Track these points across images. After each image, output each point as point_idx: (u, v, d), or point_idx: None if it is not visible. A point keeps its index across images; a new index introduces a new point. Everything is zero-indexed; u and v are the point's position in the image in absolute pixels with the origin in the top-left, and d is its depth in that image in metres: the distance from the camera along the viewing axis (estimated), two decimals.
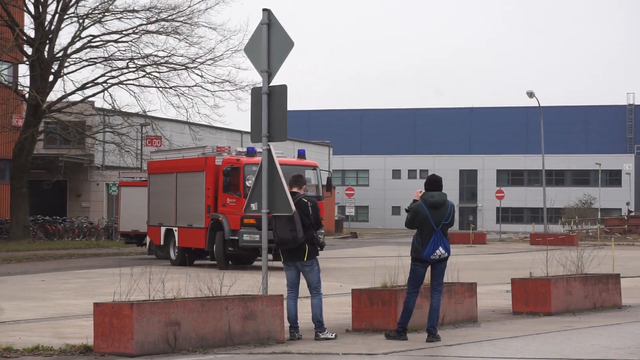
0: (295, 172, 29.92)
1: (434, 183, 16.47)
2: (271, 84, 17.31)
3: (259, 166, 17.14)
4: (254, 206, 17.15)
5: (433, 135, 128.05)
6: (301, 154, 36.42)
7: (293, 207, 16.54)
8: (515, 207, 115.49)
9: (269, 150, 17.08)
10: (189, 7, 50.24)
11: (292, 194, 16.81)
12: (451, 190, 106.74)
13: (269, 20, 17.28)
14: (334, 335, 16.82)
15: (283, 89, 17.30)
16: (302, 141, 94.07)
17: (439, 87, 64.02)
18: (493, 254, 54.37)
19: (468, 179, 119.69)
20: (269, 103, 17.18)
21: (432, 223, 16.10)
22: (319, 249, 17.08)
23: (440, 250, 16.19)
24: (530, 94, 77.32)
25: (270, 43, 17.22)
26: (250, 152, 35.73)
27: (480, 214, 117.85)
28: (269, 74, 17.29)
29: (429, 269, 16.57)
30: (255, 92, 17.59)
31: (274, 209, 16.81)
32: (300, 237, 16.56)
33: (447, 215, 16.24)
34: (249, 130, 17.73)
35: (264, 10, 17.26)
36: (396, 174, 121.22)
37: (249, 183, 32.56)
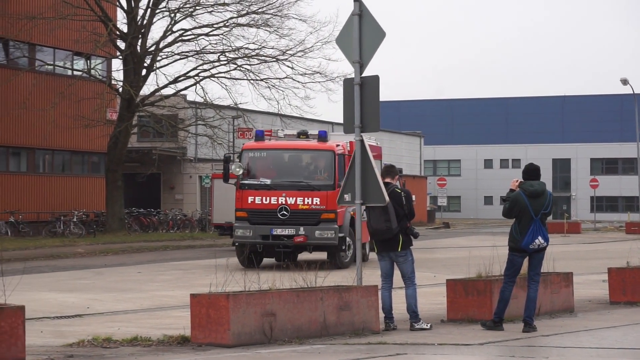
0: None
1: (532, 172, 16.36)
2: (363, 75, 17.30)
3: (352, 156, 17.15)
4: (347, 197, 17.18)
5: (525, 124, 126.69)
6: (322, 136, 31.56)
7: (387, 198, 16.52)
8: (609, 196, 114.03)
9: (362, 141, 17.07)
10: None
11: (385, 184, 16.79)
12: (544, 180, 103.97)
13: (360, 11, 17.25)
14: (429, 325, 16.79)
15: (375, 79, 17.28)
16: (393, 131, 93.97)
17: (623, 78, 62.66)
18: (588, 244, 53.80)
19: (561, 167, 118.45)
20: (361, 94, 17.17)
21: (532, 212, 15.98)
22: (412, 239, 17.06)
23: (540, 240, 16.06)
24: (624, 81, 76.33)
25: (361, 34, 17.21)
26: (258, 136, 31.82)
27: (574, 203, 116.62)
28: (361, 65, 17.28)
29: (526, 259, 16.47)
30: (348, 83, 17.59)
31: (368, 199, 16.81)
32: (394, 227, 16.55)
33: (546, 205, 16.11)
34: (341, 122, 17.76)
35: (355, 1, 17.22)
36: (488, 163, 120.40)
37: (237, 171, 30.13)
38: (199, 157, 65.84)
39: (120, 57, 51.42)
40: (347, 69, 68.49)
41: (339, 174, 29.64)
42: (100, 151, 55.01)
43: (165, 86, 51.81)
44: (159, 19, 51.63)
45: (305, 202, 29.86)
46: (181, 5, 50.77)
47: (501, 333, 16.10)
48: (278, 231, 29.82)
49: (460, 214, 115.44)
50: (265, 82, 51.22)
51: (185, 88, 52.42)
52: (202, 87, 51.40)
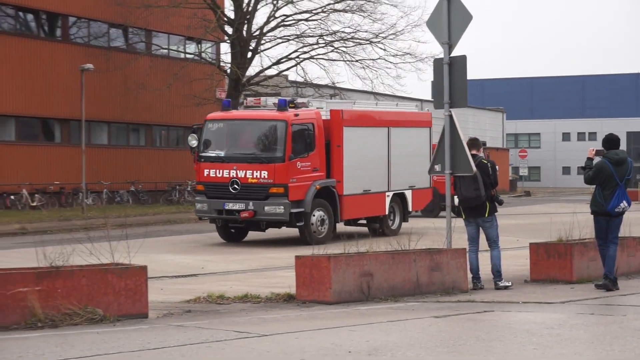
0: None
1: (613, 141, 16.28)
2: (452, 55, 17.31)
3: (442, 129, 17.12)
4: (437, 167, 17.22)
5: (601, 100, 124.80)
6: (280, 105, 26.58)
7: (474, 168, 16.52)
8: None
9: (451, 116, 17.08)
10: None
11: (472, 156, 16.79)
12: None
13: None
14: (510, 283, 16.81)
15: (463, 59, 17.31)
16: (478, 107, 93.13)
17: None
18: None
19: (635, 140, 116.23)
20: (450, 72, 17.21)
21: (617, 178, 15.90)
22: (497, 206, 17.04)
23: (624, 204, 16.04)
24: None
25: (450, 17, 17.20)
26: (225, 106, 28.12)
27: None
28: (450, 46, 17.29)
29: None
30: (437, 63, 17.61)
31: (456, 169, 16.84)
32: (483, 195, 16.58)
33: (629, 171, 16.07)
34: (429, 98, 17.77)
35: None
36: (566, 136, 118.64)
37: (191, 142, 27.28)
38: None
39: (228, 41, 51.70)
40: (436, 50, 67.41)
41: (295, 146, 26.13)
42: None
43: (269, 67, 51.99)
44: (262, 6, 51.67)
45: (254, 176, 26.05)
46: None
47: (581, 292, 15.97)
48: (230, 205, 26.31)
49: (540, 183, 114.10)
50: (360, 63, 51.11)
51: (287, 69, 52.51)
52: (302, 68, 51.49)
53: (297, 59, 51.27)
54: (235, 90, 50.38)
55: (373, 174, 29.24)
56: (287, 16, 51.39)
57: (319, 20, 50.96)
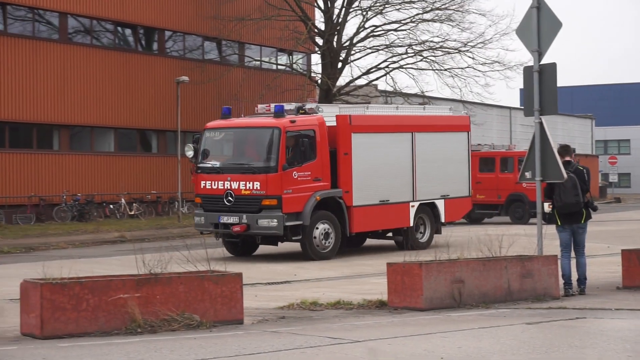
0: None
1: None
2: (541, 63, 17.11)
3: (532, 136, 16.91)
4: (528, 174, 17.03)
5: None
6: (276, 112, 24.44)
7: (564, 174, 16.32)
8: None
9: (541, 123, 16.89)
10: None
11: (567, 162, 16.62)
12: None
13: (538, 4, 17.06)
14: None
15: (553, 66, 17.10)
16: (567, 114, 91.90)
17: None
18: None
19: None
20: (540, 80, 17.01)
21: None
22: (592, 212, 16.84)
23: None
24: None
25: (539, 24, 17.02)
26: (224, 114, 25.89)
27: None
28: (539, 53, 17.10)
29: None
30: (527, 71, 17.42)
31: (547, 176, 16.64)
32: (582, 201, 16.41)
33: None
34: (518, 106, 17.60)
35: None
36: None
37: (187, 153, 25.57)
38: None
39: (319, 52, 51.91)
40: (524, 58, 66.58)
41: (291, 155, 23.92)
42: None
43: (359, 77, 52.05)
44: (352, 17, 51.81)
45: (247, 187, 23.88)
46: (372, 4, 50.81)
47: None
48: (224, 219, 24.26)
49: (630, 190, 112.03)
50: (449, 72, 50.94)
51: (377, 78, 52.50)
52: (392, 77, 51.48)
53: (386, 69, 51.28)
54: (326, 100, 50.51)
55: (392, 182, 26.61)
56: (377, 27, 51.43)
57: (407, 30, 50.92)
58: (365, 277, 20.78)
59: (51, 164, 42.72)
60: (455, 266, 15.03)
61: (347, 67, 51.95)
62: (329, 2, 50.67)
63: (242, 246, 25.82)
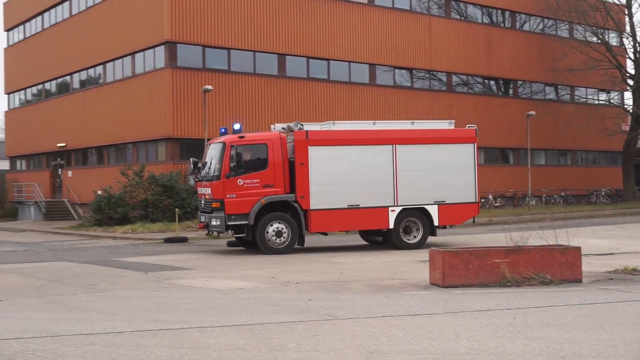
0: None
1: None
2: None
3: None
4: None
5: None
6: (235, 130, 20.76)
7: None
8: None
9: None
10: None
11: None
12: None
13: None
14: None
15: None
16: None
17: None
18: None
19: None
20: None
21: None
22: None
23: None
24: None
25: None
26: (221, 133, 21.85)
27: None
28: None
29: None
30: None
31: None
32: None
33: None
34: None
35: None
36: None
37: (189, 167, 21.61)
38: None
39: (629, 89, 48.30)
40: None
41: (235, 165, 19.77)
42: (617, 150, 52.18)
43: None
44: None
45: (205, 193, 20.56)
46: None
47: None
48: (202, 218, 20.89)
49: None
50: None
51: None
52: None
53: None
54: (636, 125, 47.18)
55: (365, 189, 20.65)
56: None
57: None
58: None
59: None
60: None
61: None
62: (637, 54, 47.02)
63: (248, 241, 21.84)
